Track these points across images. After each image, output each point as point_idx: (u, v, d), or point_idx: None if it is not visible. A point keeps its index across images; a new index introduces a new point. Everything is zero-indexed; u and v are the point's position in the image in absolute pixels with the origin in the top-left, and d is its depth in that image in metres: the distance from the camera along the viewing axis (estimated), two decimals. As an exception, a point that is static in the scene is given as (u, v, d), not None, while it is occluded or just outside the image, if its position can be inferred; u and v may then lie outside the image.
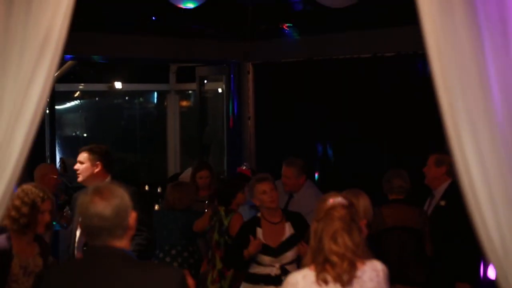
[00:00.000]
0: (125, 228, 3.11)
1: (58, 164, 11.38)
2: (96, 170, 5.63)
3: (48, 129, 11.48)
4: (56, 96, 11.65)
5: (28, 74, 2.85)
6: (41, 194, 4.82)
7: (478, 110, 2.74)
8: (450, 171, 6.31)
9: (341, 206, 3.55)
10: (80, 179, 5.70)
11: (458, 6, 2.67)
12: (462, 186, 2.84)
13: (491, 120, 2.73)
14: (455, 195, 6.19)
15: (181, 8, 7.82)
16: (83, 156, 5.68)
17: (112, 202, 3.06)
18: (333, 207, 3.55)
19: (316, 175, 10.00)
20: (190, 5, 7.71)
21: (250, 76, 10.99)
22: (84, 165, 5.65)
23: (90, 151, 5.69)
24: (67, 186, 10.15)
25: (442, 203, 6.50)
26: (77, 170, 5.71)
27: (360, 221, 3.69)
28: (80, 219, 3.22)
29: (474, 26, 2.67)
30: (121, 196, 3.10)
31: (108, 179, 5.65)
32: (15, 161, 2.97)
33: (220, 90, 12.22)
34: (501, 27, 2.65)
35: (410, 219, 6.28)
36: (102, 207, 3.04)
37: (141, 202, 5.25)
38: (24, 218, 4.70)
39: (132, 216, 3.14)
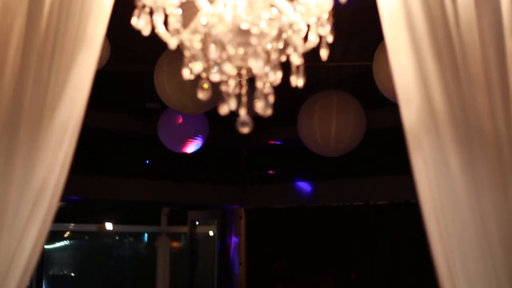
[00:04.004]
0: None
1: (44, 306, 11.14)
2: None
3: (35, 268, 11.28)
4: (45, 235, 11.53)
5: (21, 227, 2.81)
6: None
7: (477, 269, 2.69)
8: None
9: None
10: None
11: (455, 164, 2.68)
12: None
13: (491, 280, 2.68)
14: None
15: (175, 152, 7.89)
16: None
17: None
18: None
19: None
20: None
21: (243, 221, 10.96)
22: None
23: None
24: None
25: None
26: None
27: None
28: None
29: (472, 184, 2.66)
30: None
31: None
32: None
33: (211, 233, 12.16)
34: (502, 188, 2.65)
35: None
36: None
37: None
38: None
39: None
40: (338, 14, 2.18)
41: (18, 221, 2.80)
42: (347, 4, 2.15)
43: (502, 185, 2.64)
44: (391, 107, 5.11)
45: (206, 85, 2.02)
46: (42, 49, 2.76)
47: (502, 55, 2.61)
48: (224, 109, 1.99)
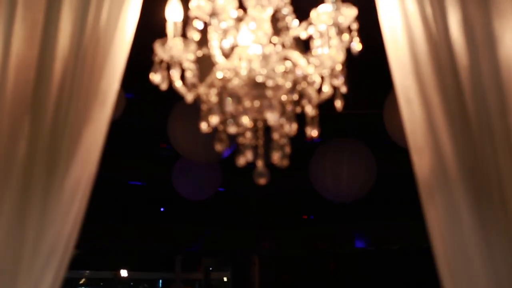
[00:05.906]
0: None
1: None
2: None
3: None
4: (60, 283, 11.49)
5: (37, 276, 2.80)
6: None
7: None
8: None
9: None
10: None
11: (465, 214, 2.68)
12: None
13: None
14: None
15: (189, 199, 7.90)
16: None
17: None
18: None
19: None
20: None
21: (256, 267, 10.90)
22: None
23: None
24: None
25: None
26: None
27: None
28: None
29: (483, 235, 2.66)
30: None
31: None
32: None
33: (225, 279, 12.11)
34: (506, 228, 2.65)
35: None
36: None
37: None
38: None
39: None
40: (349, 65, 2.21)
41: (33, 273, 2.79)
42: (358, 54, 2.17)
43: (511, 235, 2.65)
44: (402, 153, 5.14)
45: (223, 137, 2.06)
46: (56, 107, 2.75)
47: (502, 105, 2.63)
48: (241, 161, 2.01)
